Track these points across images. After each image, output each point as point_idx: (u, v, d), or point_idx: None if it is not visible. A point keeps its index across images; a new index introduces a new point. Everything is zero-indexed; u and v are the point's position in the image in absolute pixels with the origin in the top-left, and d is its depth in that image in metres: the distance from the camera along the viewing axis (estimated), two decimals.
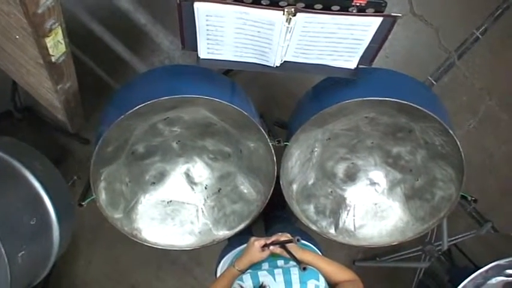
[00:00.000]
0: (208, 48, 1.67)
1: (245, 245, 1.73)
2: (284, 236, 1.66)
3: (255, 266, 1.66)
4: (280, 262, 1.64)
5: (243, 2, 1.50)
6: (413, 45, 2.80)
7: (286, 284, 1.53)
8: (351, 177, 2.31)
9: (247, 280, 1.57)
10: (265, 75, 2.67)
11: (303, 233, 2.10)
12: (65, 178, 2.32)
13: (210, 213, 2.21)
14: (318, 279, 1.55)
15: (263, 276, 1.56)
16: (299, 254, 1.61)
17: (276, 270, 1.58)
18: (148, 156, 2.18)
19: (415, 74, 2.07)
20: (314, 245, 1.99)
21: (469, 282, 2.18)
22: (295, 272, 1.56)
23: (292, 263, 1.62)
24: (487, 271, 2.18)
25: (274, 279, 1.55)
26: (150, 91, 1.77)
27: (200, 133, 2.16)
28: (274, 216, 2.56)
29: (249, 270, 1.64)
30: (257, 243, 1.64)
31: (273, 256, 1.68)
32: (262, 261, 1.66)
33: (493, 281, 2.21)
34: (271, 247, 1.64)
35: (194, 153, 2.24)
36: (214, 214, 2.20)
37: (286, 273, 1.57)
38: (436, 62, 2.87)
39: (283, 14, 1.48)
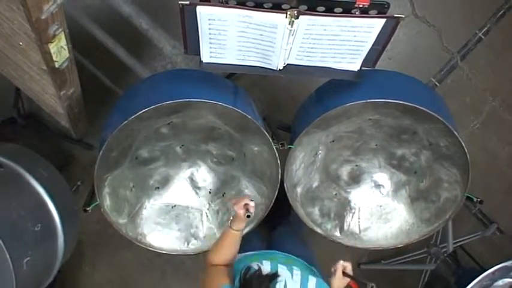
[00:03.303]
0: (211, 52, 1.67)
1: (250, 252, 1.81)
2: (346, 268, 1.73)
3: (273, 260, 1.70)
4: (296, 270, 1.68)
5: (245, 6, 1.50)
6: (416, 46, 2.80)
7: (302, 285, 1.60)
8: (356, 179, 2.30)
9: (266, 265, 1.63)
10: (268, 78, 2.67)
11: (297, 242, 2.18)
12: (69, 184, 2.32)
13: (214, 217, 2.21)
14: None
15: (282, 270, 1.63)
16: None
17: (294, 271, 1.65)
18: (152, 161, 2.18)
19: (417, 75, 2.07)
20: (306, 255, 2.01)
21: (475, 284, 2.17)
22: (312, 279, 1.64)
23: (309, 272, 1.71)
24: (493, 273, 2.17)
25: (292, 277, 1.62)
26: (153, 96, 1.78)
27: (204, 137, 2.16)
28: (279, 221, 2.55)
29: (268, 259, 1.69)
30: (238, 204, 1.65)
31: (287, 261, 1.74)
32: (280, 262, 1.69)
33: (500, 282, 2.21)
34: None
35: (198, 158, 2.24)
36: (218, 218, 2.20)
37: (304, 276, 1.64)
38: (438, 64, 2.86)
39: (286, 16, 1.48)
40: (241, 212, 1.64)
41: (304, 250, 2.09)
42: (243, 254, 1.83)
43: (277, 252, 1.86)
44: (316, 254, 2.16)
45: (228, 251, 1.70)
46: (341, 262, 1.75)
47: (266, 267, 1.62)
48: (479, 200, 2.08)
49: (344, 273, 1.73)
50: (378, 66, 1.78)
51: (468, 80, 2.89)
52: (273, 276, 1.57)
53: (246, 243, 1.97)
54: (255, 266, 1.61)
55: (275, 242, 2.27)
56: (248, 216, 1.61)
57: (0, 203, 1.87)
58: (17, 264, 1.76)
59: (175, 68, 2.72)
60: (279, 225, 2.50)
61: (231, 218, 1.70)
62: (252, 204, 1.65)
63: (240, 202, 1.65)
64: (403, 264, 2.99)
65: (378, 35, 1.59)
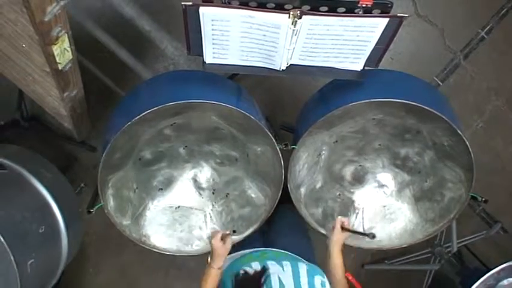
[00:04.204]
0: (213, 53, 1.67)
1: (238, 253, 1.85)
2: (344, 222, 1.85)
3: (261, 258, 1.71)
4: (285, 261, 1.68)
5: (248, 6, 1.49)
6: (419, 46, 2.80)
7: (294, 274, 1.60)
8: (359, 179, 2.30)
9: (255, 266, 1.64)
10: (271, 78, 2.67)
11: (302, 235, 2.17)
12: (72, 186, 2.33)
13: (218, 218, 2.21)
14: (323, 277, 1.64)
15: (272, 265, 1.63)
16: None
17: (284, 262, 1.65)
18: (155, 162, 2.18)
19: (420, 75, 2.06)
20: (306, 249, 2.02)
21: (480, 283, 2.17)
22: (302, 267, 1.64)
23: (298, 260, 1.71)
24: (498, 272, 2.17)
25: (283, 269, 1.62)
26: (156, 97, 1.77)
27: (207, 138, 2.16)
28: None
29: (257, 260, 1.70)
30: (215, 240, 1.73)
31: (277, 255, 1.77)
32: (267, 258, 1.70)
33: (505, 282, 2.20)
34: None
35: (201, 159, 2.24)
36: (222, 219, 2.20)
37: (294, 266, 1.64)
38: (441, 63, 2.86)
39: (289, 17, 1.48)
40: (219, 245, 1.71)
41: (298, 241, 2.12)
42: (232, 255, 1.86)
43: (266, 249, 1.88)
44: (320, 254, 2.15)
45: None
46: (339, 217, 1.86)
47: (256, 267, 1.63)
48: (484, 199, 2.07)
49: (343, 228, 1.82)
50: (380, 65, 1.77)
51: (471, 79, 2.89)
52: (262, 272, 1.58)
53: (247, 243, 1.98)
54: (242, 270, 1.62)
55: (273, 235, 2.26)
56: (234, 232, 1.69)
57: (4, 205, 1.88)
58: (21, 266, 1.76)
59: (177, 69, 2.72)
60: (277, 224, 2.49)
61: (208, 257, 1.75)
62: (227, 232, 1.76)
63: (216, 236, 1.73)
64: (407, 265, 2.99)
65: (381, 35, 1.58)
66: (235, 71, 1.79)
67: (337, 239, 1.83)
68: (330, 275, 1.72)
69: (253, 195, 2.16)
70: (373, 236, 1.84)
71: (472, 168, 1.91)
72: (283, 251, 1.87)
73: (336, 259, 1.80)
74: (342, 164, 2.28)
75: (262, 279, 1.54)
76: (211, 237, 1.75)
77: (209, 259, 1.75)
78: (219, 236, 1.74)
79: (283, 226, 2.34)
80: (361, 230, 2.23)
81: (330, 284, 1.64)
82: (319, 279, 1.61)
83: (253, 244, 2.01)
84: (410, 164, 2.22)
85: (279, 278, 1.56)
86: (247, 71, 1.75)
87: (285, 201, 2.04)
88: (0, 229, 1.71)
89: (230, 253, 1.98)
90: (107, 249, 2.94)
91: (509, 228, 2.99)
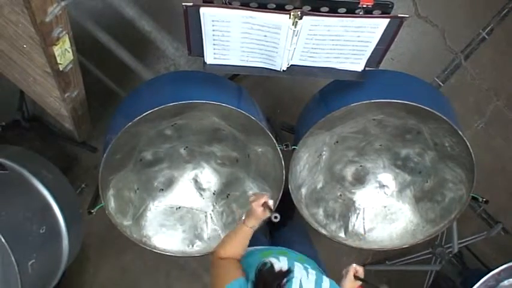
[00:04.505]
0: (214, 53, 1.67)
1: (261, 247, 1.82)
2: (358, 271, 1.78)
3: (288, 257, 1.70)
4: (311, 270, 1.67)
5: (249, 7, 1.50)
6: (419, 46, 2.80)
7: (316, 285, 1.58)
8: (360, 180, 2.30)
9: (283, 261, 1.62)
10: (271, 79, 2.67)
11: (304, 243, 2.16)
12: (73, 186, 2.32)
13: (219, 218, 2.21)
14: None
15: (298, 268, 1.61)
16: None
17: (309, 270, 1.64)
18: (156, 163, 2.18)
19: (421, 75, 2.06)
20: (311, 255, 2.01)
21: (481, 284, 2.16)
22: (326, 281, 1.63)
23: (322, 273, 1.71)
24: (499, 273, 2.16)
25: (307, 276, 1.60)
26: (157, 98, 1.78)
27: (208, 139, 2.16)
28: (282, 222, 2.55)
29: (285, 256, 1.68)
30: (255, 204, 1.66)
31: (299, 258, 1.75)
32: (295, 259, 1.69)
33: (506, 283, 2.20)
34: None
35: (202, 159, 2.24)
36: (223, 219, 2.20)
37: (319, 277, 1.63)
38: (442, 63, 2.86)
39: (290, 17, 1.48)
40: (259, 210, 1.64)
41: (311, 250, 2.09)
42: (254, 247, 1.82)
43: (288, 249, 1.86)
44: (321, 255, 2.15)
45: (239, 245, 1.69)
46: (353, 265, 1.77)
47: (283, 264, 1.61)
48: (484, 200, 2.07)
49: (355, 277, 1.75)
50: (381, 66, 1.77)
51: (472, 80, 2.88)
52: (287, 273, 1.55)
53: (252, 240, 1.97)
54: (270, 261, 1.60)
55: (280, 242, 2.26)
56: (273, 215, 1.58)
57: (5, 205, 1.87)
58: (22, 267, 1.76)
59: (178, 69, 2.72)
60: (282, 226, 2.50)
61: (243, 215, 1.71)
62: (270, 202, 1.65)
63: (259, 200, 1.65)
64: (408, 265, 2.98)
65: (382, 35, 1.59)
66: (235, 71, 1.79)
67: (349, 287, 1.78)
68: None
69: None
70: None
71: (473, 169, 1.91)
72: (304, 255, 1.83)
73: None
74: (342, 165, 2.28)
75: (285, 280, 1.51)
76: (253, 199, 1.68)
77: (243, 218, 1.70)
78: (261, 200, 1.66)
79: (293, 235, 2.34)
80: (361, 230, 2.23)
81: None
82: None
83: (258, 243, 2.00)
84: (411, 165, 2.22)
85: (301, 282, 1.54)
86: (247, 72, 1.75)
87: (285, 201, 2.04)
88: (1, 230, 1.71)
89: None
90: (108, 249, 2.94)
91: (510, 229, 2.99)
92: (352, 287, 1.78)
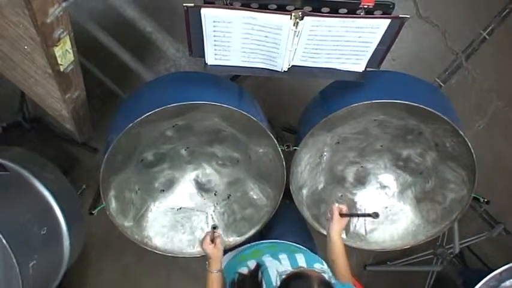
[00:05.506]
0: (215, 54, 1.67)
1: (233, 252, 1.87)
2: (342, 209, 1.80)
3: (257, 255, 1.70)
4: (282, 254, 1.66)
5: (250, 7, 1.50)
6: (420, 47, 2.80)
7: (293, 266, 1.57)
8: (361, 181, 2.30)
9: (252, 265, 1.61)
10: (272, 80, 2.67)
11: (302, 230, 2.14)
12: (74, 187, 2.32)
13: (220, 219, 2.21)
14: (323, 264, 1.62)
15: (267, 260, 1.61)
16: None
17: (280, 256, 1.63)
18: (157, 164, 2.18)
19: (422, 76, 2.06)
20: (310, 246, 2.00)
21: (482, 285, 2.16)
22: (300, 257, 1.62)
23: (295, 252, 1.67)
24: (500, 273, 2.16)
25: (280, 263, 1.59)
26: (157, 99, 1.77)
27: (209, 139, 2.16)
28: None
29: (252, 256, 1.70)
30: (205, 244, 1.77)
31: (273, 249, 1.75)
32: (263, 254, 1.69)
33: (507, 283, 2.19)
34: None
35: (203, 160, 2.24)
36: (224, 220, 2.20)
37: (291, 258, 1.61)
38: (443, 64, 2.86)
39: (291, 18, 1.48)
40: (210, 247, 1.74)
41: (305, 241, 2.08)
42: (228, 254, 1.87)
43: (261, 242, 1.88)
44: (323, 256, 2.15)
45: None
46: (336, 204, 1.80)
47: (252, 264, 1.62)
48: (486, 200, 2.07)
49: (341, 214, 1.77)
50: (382, 67, 1.77)
51: (473, 80, 2.88)
52: (257, 268, 1.57)
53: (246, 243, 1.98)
54: (238, 272, 1.60)
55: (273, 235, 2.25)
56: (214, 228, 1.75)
57: (6, 206, 1.87)
58: (23, 268, 1.75)
59: (179, 70, 2.72)
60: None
61: (207, 262, 1.77)
62: (216, 235, 1.79)
63: (205, 240, 1.76)
64: (410, 266, 2.99)
65: (383, 36, 1.58)
66: (237, 72, 1.79)
67: (338, 227, 1.78)
68: (333, 265, 1.71)
69: (255, 197, 2.16)
70: (376, 215, 1.78)
71: (474, 169, 1.91)
72: (276, 241, 1.86)
73: (339, 248, 1.76)
74: (343, 165, 2.28)
75: (259, 276, 1.52)
76: (201, 244, 1.78)
77: (207, 265, 1.76)
78: (207, 239, 1.77)
79: (278, 219, 2.34)
80: (362, 231, 2.23)
81: (333, 274, 1.62)
82: (318, 266, 1.59)
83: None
84: (412, 165, 2.22)
85: (277, 271, 1.53)
86: (248, 72, 1.75)
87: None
88: (2, 231, 1.71)
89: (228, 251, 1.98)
90: (109, 250, 2.94)
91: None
92: (341, 225, 1.79)
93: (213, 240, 1.78)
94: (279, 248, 1.78)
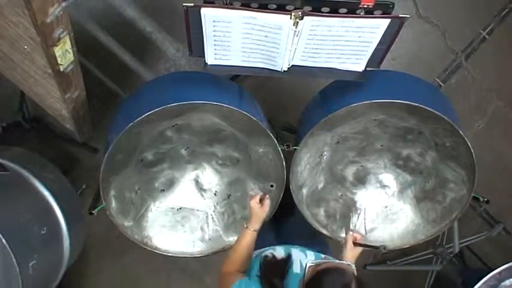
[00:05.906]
0: (215, 54, 1.67)
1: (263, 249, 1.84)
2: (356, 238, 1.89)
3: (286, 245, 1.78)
4: (308, 251, 1.74)
5: (250, 7, 1.50)
6: (420, 47, 2.80)
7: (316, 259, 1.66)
8: (361, 180, 2.30)
9: (280, 251, 1.70)
10: (272, 80, 2.67)
11: (313, 235, 2.16)
12: (74, 187, 2.32)
13: (220, 219, 2.21)
14: None
15: (295, 252, 1.70)
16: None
17: (307, 252, 1.72)
18: (157, 164, 2.18)
19: (422, 75, 2.07)
20: (323, 249, 2.01)
21: (482, 284, 2.17)
22: (322, 256, 1.72)
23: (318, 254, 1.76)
24: (500, 273, 2.17)
25: (306, 256, 1.69)
26: (158, 98, 1.78)
27: (209, 139, 2.16)
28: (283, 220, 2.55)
29: (282, 245, 1.77)
30: (253, 202, 1.82)
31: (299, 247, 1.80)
32: (293, 246, 1.77)
33: (507, 282, 2.20)
34: None
35: (203, 160, 2.24)
36: (224, 220, 2.20)
37: (317, 256, 1.70)
38: (443, 64, 2.86)
39: (291, 17, 1.48)
40: (257, 206, 1.79)
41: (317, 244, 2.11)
42: (257, 250, 1.87)
43: (290, 244, 1.89)
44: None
45: (245, 252, 1.74)
46: (351, 233, 1.88)
47: (280, 252, 1.69)
48: (485, 200, 2.07)
49: (355, 243, 1.84)
50: (381, 66, 1.77)
51: (473, 80, 2.89)
52: (287, 259, 1.64)
53: (259, 241, 1.98)
54: (268, 253, 1.68)
55: (283, 240, 2.26)
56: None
57: (6, 206, 1.88)
58: (23, 268, 1.76)
59: (179, 70, 2.72)
60: (285, 221, 2.49)
61: (245, 224, 1.80)
62: (267, 197, 1.84)
63: (255, 197, 1.81)
64: (409, 265, 2.99)
65: (383, 35, 1.58)
66: (236, 72, 1.79)
67: (350, 256, 1.84)
68: None
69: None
70: (384, 248, 1.87)
71: (474, 169, 1.91)
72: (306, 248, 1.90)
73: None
74: (343, 165, 2.28)
75: (287, 266, 1.60)
76: (249, 199, 1.84)
77: (245, 224, 1.80)
78: (257, 197, 1.83)
79: (294, 231, 2.36)
80: (362, 231, 2.23)
81: None
82: None
83: (266, 241, 2.02)
84: (412, 165, 2.22)
85: (300, 262, 1.62)
86: (248, 72, 1.75)
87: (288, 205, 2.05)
88: (2, 231, 1.71)
89: None
90: (109, 250, 2.94)
91: (511, 229, 2.99)
92: (354, 254, 1.86)
93: (261, 201, 1.83)
94: (305, 248, 1.83)
